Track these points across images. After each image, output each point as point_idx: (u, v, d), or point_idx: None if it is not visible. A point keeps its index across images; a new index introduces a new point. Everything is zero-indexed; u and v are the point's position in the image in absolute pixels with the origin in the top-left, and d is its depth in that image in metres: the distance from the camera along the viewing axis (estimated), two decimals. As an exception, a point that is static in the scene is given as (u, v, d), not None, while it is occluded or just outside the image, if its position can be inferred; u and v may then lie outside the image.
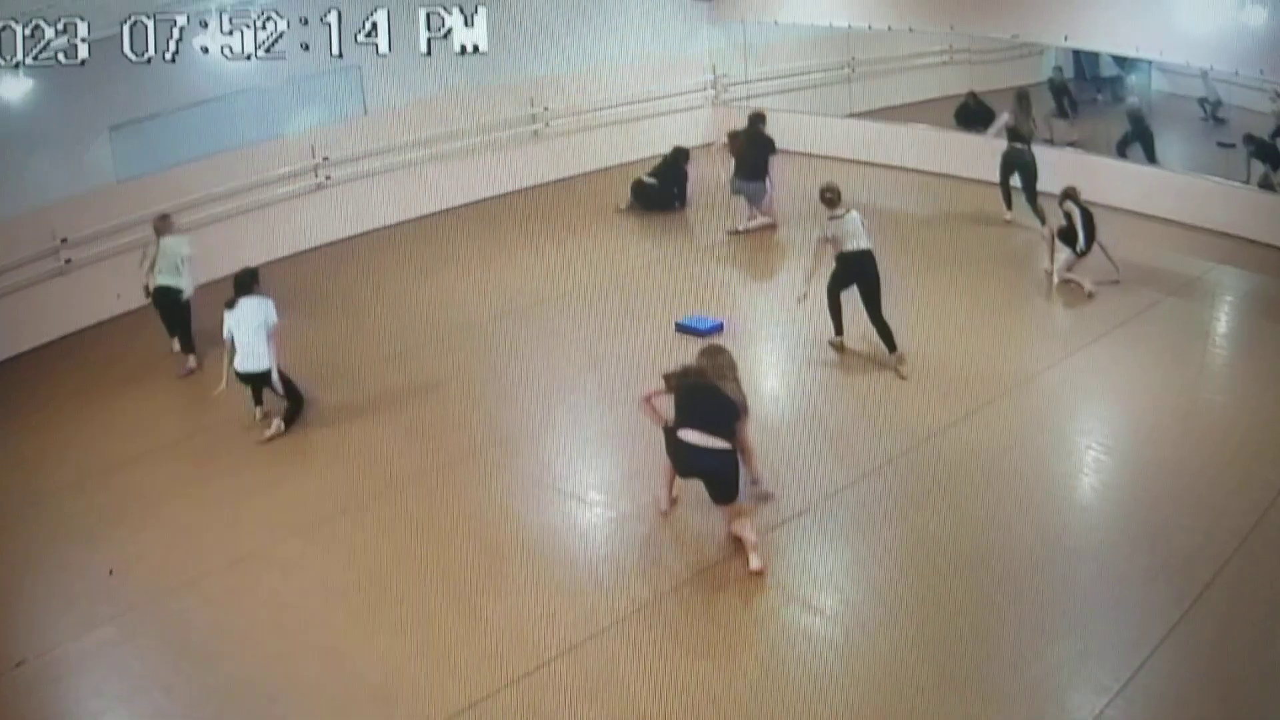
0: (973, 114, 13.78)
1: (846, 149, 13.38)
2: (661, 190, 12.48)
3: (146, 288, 9.16)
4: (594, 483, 7.26)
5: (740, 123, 12.00)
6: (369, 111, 12.18)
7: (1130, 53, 12.24)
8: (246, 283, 7.98)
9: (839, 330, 8.73)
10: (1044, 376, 8.27)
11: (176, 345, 9.30)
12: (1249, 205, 10.69)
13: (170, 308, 9.14)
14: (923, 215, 11.63)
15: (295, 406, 8.08)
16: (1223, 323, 9.41)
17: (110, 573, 6.52)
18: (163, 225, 9.18)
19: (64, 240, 10.08)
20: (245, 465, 7.60)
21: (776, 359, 9.05)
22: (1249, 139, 11.60)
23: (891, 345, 8.36)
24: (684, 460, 6.31)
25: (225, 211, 11.16)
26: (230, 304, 7.88)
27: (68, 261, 10.13)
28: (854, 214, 8.38)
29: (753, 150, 11.46)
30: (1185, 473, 6.95)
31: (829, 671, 5.42)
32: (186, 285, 9.09)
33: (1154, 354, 8.37)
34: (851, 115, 14.40)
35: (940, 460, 6.86)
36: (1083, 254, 9.47)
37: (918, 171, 13.09)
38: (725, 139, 11.84)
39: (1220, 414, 7.63)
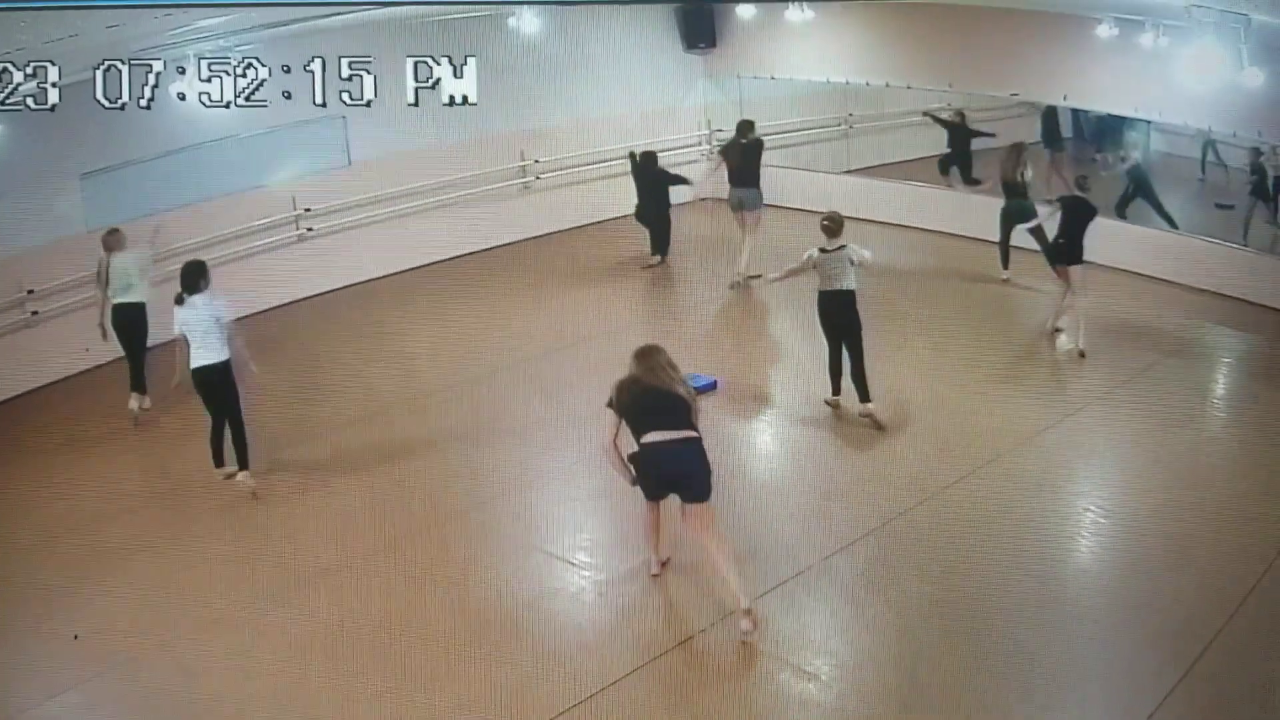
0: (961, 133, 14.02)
1: (843, 205, 13.55)
2: (659, 202, 12.62)
3: (103, 329, 9.24)
4: (582, 545, 7.36)
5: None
6: (353, 162, 12.29)
7: (1129, 113, 12.58)
8: (193, 279, 7.84)
9: (836, 390, 8.78)
10: (1042, 437, 8.44)
11: (134, 403, 9.24)
12: (1245, 266, 10.97)
13: (132, 327, 9.13)
14: (920, 273, 11.92)
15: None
16: (1220, 385, 9.64)
17: (76, 637, 6.51)
18: (113, 241, 9.15)
19: (30, 291, 10.14)
20: (216, 525, 7.66)
21: (771, 418, 9.22)
22: (1255, 168, 11.89)
23: (864, 395, 8.52)
24: (656, 466, 6.33)
25: None
26: (179, 300, 7.83)
27: (34, 313, 10.19)
28: (846, 251, 8.44)
29: (747, 156, 11.79)
30: (1182, 536, 7.08)
31: (822, 739, 5.53)
32: (145, 295, 9.12)
33: (1152, 415, 8.56)
34: (849, 172, 14.70)
35: (937, 522, 7.00)
36: (1055, 252, 9.86)
37: (916, 229, 13.37)
38: (718, 157, 12.29)
39: (1217, 478, 7.78)
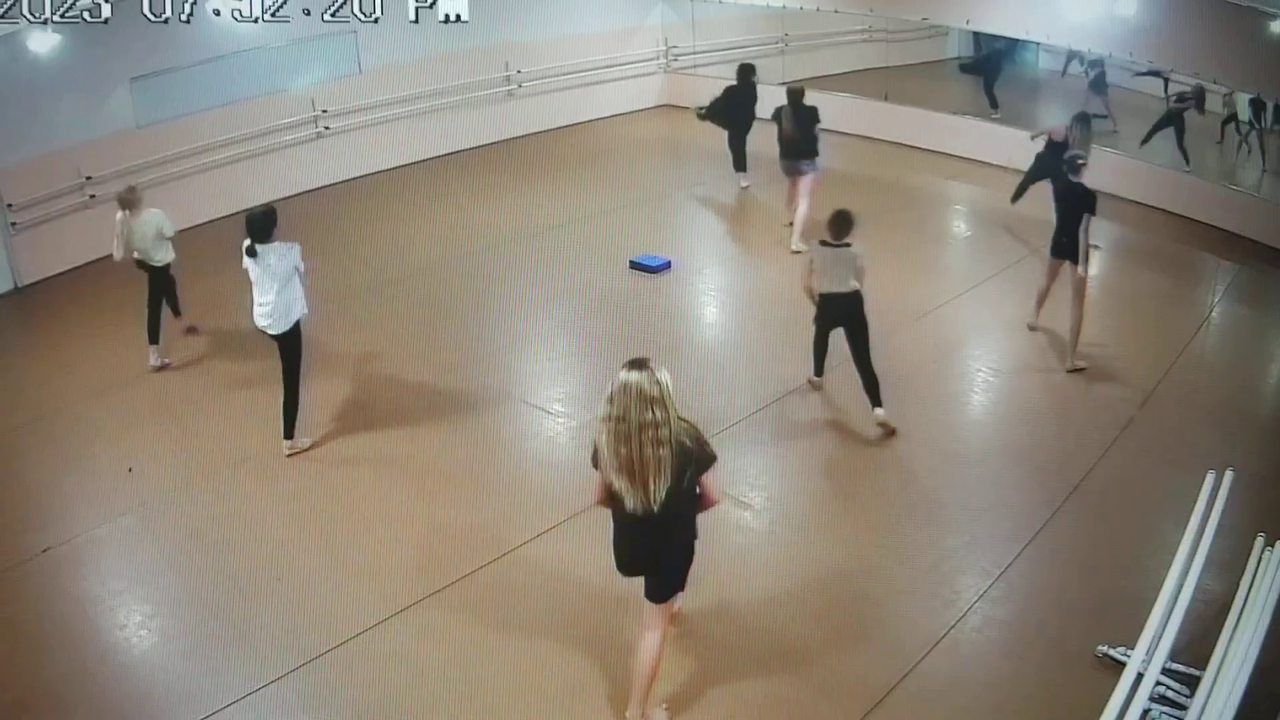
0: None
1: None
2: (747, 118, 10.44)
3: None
4: (557, 396, 7.05)
5: (687, 88, 11.57)
6: (363, 70, 11.64)
7: (1022, 35, 12.01)
8: (266, 227, 6.12)
9: (819, 370, 6.83)
10: (943, 309, 8.14)
11: (154, 357, 7.50)
12: (1116, 167, 10.56)
13: (153, 284, 7.44)
14: (842, 172, 11.36)
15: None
16: (1093, 267, 9.19)
17: (130, 470, 6.23)
18: (130, 199, 7.25)
19: (88, 178, 9.60)
20: (252, 379, 7.20)
21: (717, 292, 8.84)
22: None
23: (876, 399, 6.36)
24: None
25: (233, 156, 10.69)
26: (250, 252, 6.11)
27: (92, 197, 9.64)
28: (853, 252, 6.27)
29: (799, 125, 9.17)
30: (1059, 392, 6.90)
31: (754, 556, 5.34)
32: (168, 256, 7.43)
33: (1033, 293, 8.20)
34: (784, 84, 14.03)
35: (855, 380, 6.66)
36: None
37: (841, 133, 12.78)
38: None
39: (1090, 345, 7.48)
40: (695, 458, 3.80)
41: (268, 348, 6.55)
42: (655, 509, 3.78)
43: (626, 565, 4.11)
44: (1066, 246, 7.10)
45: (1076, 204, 6.99)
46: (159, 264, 7.44)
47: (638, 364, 3.77)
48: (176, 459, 6.36)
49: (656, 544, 3.96)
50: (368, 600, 5.03)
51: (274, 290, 6.08)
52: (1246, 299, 8.49)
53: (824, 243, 6.32)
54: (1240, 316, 8.32)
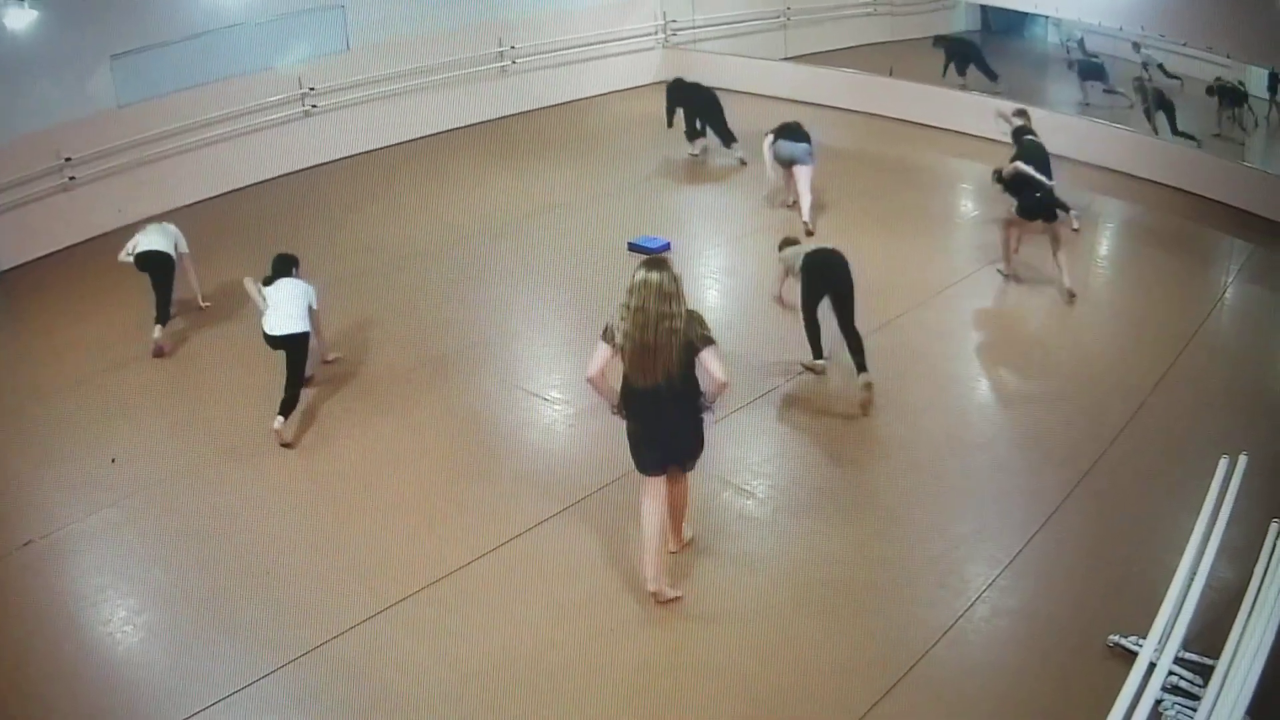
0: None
1: (782, 89, 12.99)
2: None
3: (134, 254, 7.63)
4: (554, 384, 7.01)
5: (686, 64, 11.50)
6: (352, 47, 11.58)
7: (1029, 9, 11.95)
8: (287, 265, 6.75)
9: (818, 354, 6.82)
10: (952, 290, 8.10)
11: (158, 331, 7.51)
12: (1128, 144, 10.52)
13: (158, 270, 7.56)
14: (849, 151, 11.33)
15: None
16: (1104, 246, 9.26)
17: (113, 461, 6.19)
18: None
19: (68, 159, 9.50)
20: (236, 366, 7.19)
21: (719, 273, 8.80)
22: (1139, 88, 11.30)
23: (861, 364, 6.43)
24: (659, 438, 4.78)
25: (218, 135, 10.62)
26: (267, 281, 6.63)
27: (71, 178, 9.56)
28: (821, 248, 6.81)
29: (801, 132, 9.37)
30: (1069, 377, 6.87)
31: (758, 546, 5.33)
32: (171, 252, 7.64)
33: (1046, 273, 8.17)
34: (786, 59, 13.97)
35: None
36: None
37: (844, 110, 12.74)
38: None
39: (1101, 327, 7.51)
40: (700, 339, 4.55)
41: (254, 336, 6.54)
42: (663, 382, 4.53)
43: (648, 444, 4.76)
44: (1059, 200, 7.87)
45: (1047, 157, 7.83)
46: (162, 252, 7.51)
47: (656, 264, 4.57)
48: (162, 449, 6.32)
49: (671, 413, 4.67)
50: (359, 594, 5.00)
51: (286, 303, 6.50)
52: (1261, 279, 8.45)
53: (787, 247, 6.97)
54: (1255, 297, 8.28)
